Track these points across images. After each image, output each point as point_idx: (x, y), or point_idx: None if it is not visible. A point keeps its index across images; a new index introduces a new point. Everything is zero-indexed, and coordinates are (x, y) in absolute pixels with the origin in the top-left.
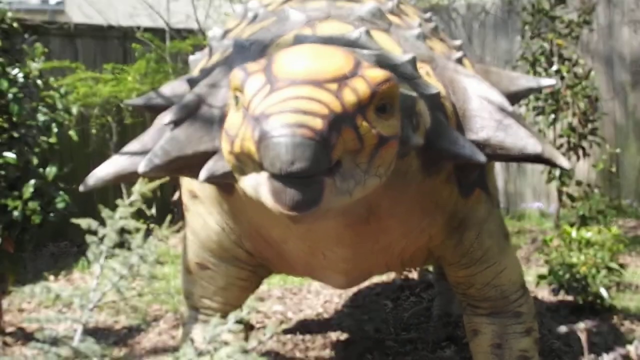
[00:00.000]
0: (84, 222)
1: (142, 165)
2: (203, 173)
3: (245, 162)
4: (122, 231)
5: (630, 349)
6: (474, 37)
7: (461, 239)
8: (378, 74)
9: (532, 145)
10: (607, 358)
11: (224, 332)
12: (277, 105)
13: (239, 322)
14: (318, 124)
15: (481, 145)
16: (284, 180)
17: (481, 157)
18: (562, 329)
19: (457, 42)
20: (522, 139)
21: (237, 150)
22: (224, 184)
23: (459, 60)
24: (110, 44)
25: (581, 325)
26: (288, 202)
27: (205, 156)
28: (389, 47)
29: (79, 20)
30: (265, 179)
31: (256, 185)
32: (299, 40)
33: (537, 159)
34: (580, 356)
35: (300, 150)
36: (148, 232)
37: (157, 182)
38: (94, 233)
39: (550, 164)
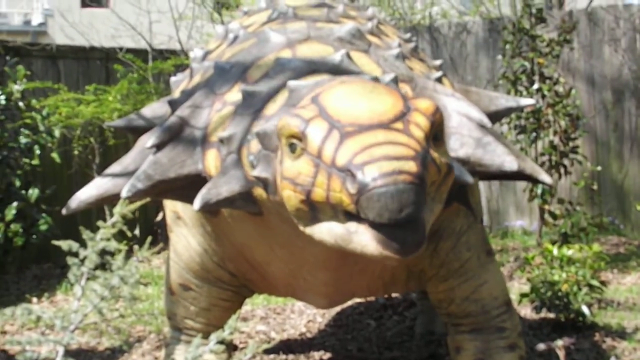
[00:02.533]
0: (65, 244)
1: (125, 190)
2: (197, 202)
3: (324, 211)
4: (104, 252)
5: None
6: (455, 56)
7: (436, 249)
8: (429, 105)
9: (509, 163)
10: None
11: (205, 352)
12: (363, 154)
13: (221, 342)
14: (413, 167)
15: (461, 163)
16: (391, 228)
17: (468, 179)
18: (541, 346)
19: (437, 62)
20: (499, 156)
21: (318, 200)
22: None
23: (439, 80)
24: (93, 65)
25: (559, 342)
26: (399, 249)
27: (188, 179)
28: (368, 68)
29: (62, 41)
30: (365, 229)
31: (345, 234)
32: (280, 63)
33: (520, 175)
34: None
35: (405, 196)
36: (130, 253)
37: (138, 203)
38: (75, 255)
39: (533, 180)
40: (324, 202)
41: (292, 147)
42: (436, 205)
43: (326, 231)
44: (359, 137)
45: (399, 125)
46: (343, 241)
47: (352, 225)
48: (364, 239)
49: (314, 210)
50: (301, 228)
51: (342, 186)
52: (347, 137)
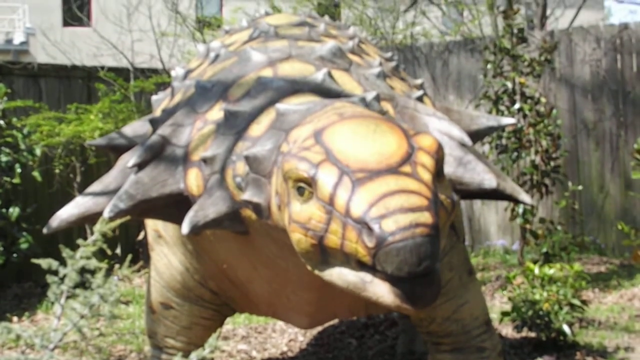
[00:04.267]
0: (45, 262)
1: (107, 210)
2: (186, 226)
3: (335, 256)
4: (84, 271)
5: None
6: (437, 76)
7: None
8: (432, 142)
9: (489, 180)
10: None
11: None
12: (379, 206)
13: None
14: (428, 218)
15: None
16: (409, 282)
17: (453, 197)
18: None
19: (418, 81)
20: (479, 174)
21: (332, 246)
22: None
23: (420, 99)
24: (75, 84)
25: None
26: (416, 302)
27: (170, 198)
28: (349, 86)
29: (43, 60)
30: (380, 281)
31: (359, 282)
32: (262, 82)
33: (500, 195)
34: None
35: (423, 249)
36: (111, 272)
37: (118, 222)
38: (55, 273)
39: (513, 200)
40: (338, 249)
41: (299, 191)
42: (442, 241)
43: (337, 276)
44: (371, 186)
45: (407, 168)
46: (356, 289)
47: (367, 276)
48: (379, 290)
49: (324, 254)
50: (309, 268)
51: (358, 238)
52: (359, 185)
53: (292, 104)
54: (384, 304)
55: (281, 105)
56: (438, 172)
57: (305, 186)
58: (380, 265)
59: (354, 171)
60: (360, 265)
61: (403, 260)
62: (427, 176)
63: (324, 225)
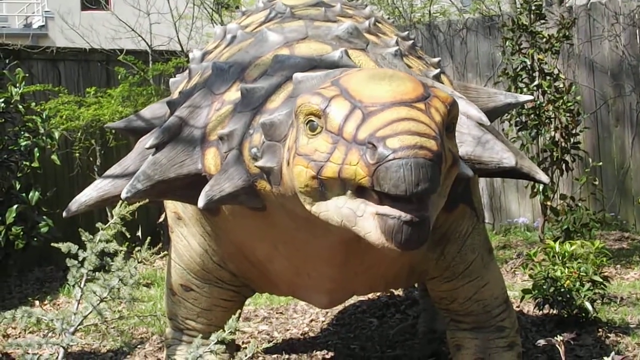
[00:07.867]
0: (64, 246)
1: (125, 191)
2: (202, 200)
3: (332, 188)
4: (104, 254)
5: None
6: (455, 53)
7: (443, 253)
8: (447, 95)
9: (507, 159)
10: None
11: (206, 353)
12: (386, 128)
13: (222, 342)
14: (433, 145)
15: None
16: (402, 207)
17: (469, 172)
18: (541, 342)
19: (435, 60)
20: (497, 153)
21: (330, 175)
22: None
23: (437, 77)
24: (93, 67)
25: (559, 337)
26: (401, 243)
27: (188, 179)
28: (366, 66)
29: (62, 43)
30: (371, 214)
31: (351, 215)
32: (279, 60)
33: (517, 173)
34: None
35: (424, 171)
36: (131, 255)
37: (137, 205)
38: (75, 256)
39: (530, 178)
40: (335, 177)
41: (310, 125)
42: (440, 199)
43: (333, 209)
44: (382, 114)
45: (421, 105)
46: (349, 222)
47: (360, 209)
48: (368, 226)
49: (323, 187)
50: (307, 207)
51: (360, 158)
52: (370, 115)
53: (312, 73)
54: (370, 241)
55: (299, 74)
56: (448, 126)
57: (315, 119)
58: (378, 184)
59: (367, 105)
60: (358, 193)
61: (401, 178)
62: (438, 118)
63: (328, 154)
